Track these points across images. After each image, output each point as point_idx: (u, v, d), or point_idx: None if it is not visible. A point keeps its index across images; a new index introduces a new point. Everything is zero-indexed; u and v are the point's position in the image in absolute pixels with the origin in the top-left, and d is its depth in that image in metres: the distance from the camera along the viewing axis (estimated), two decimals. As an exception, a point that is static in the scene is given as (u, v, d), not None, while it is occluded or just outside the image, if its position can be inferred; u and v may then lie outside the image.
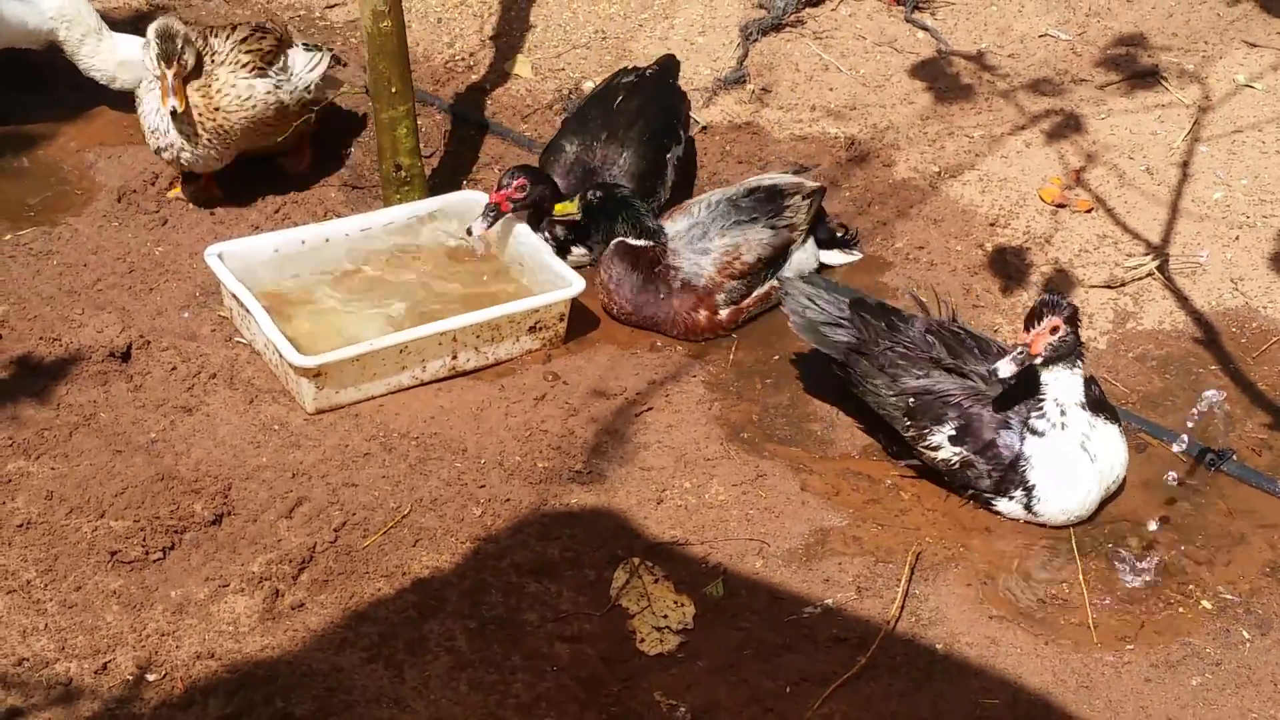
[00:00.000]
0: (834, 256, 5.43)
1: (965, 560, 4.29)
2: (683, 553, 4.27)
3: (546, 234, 5.29)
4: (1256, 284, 5.30)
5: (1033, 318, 4.21)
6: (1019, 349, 4.21)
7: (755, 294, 5.13)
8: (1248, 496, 4.53)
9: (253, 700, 3.76)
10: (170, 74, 5.06)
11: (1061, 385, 4.28)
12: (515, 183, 5.15)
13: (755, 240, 5.11)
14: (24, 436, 4.47)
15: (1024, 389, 4.33)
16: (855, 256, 5.47)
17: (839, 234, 5.48)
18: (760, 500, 4.45)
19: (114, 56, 5.78)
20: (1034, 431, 4.30)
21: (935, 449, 4.40)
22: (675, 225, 5.18)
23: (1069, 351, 4.22)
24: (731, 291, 5.07)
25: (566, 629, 4.02)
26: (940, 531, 4.38)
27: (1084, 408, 4.30)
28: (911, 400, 4.42)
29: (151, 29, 5.09)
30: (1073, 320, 4.22)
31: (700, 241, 5.11)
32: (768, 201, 5.21)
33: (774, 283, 5.15)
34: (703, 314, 5.05)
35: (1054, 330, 4.19)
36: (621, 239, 5.09)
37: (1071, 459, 4.28)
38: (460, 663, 3.91)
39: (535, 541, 4.27)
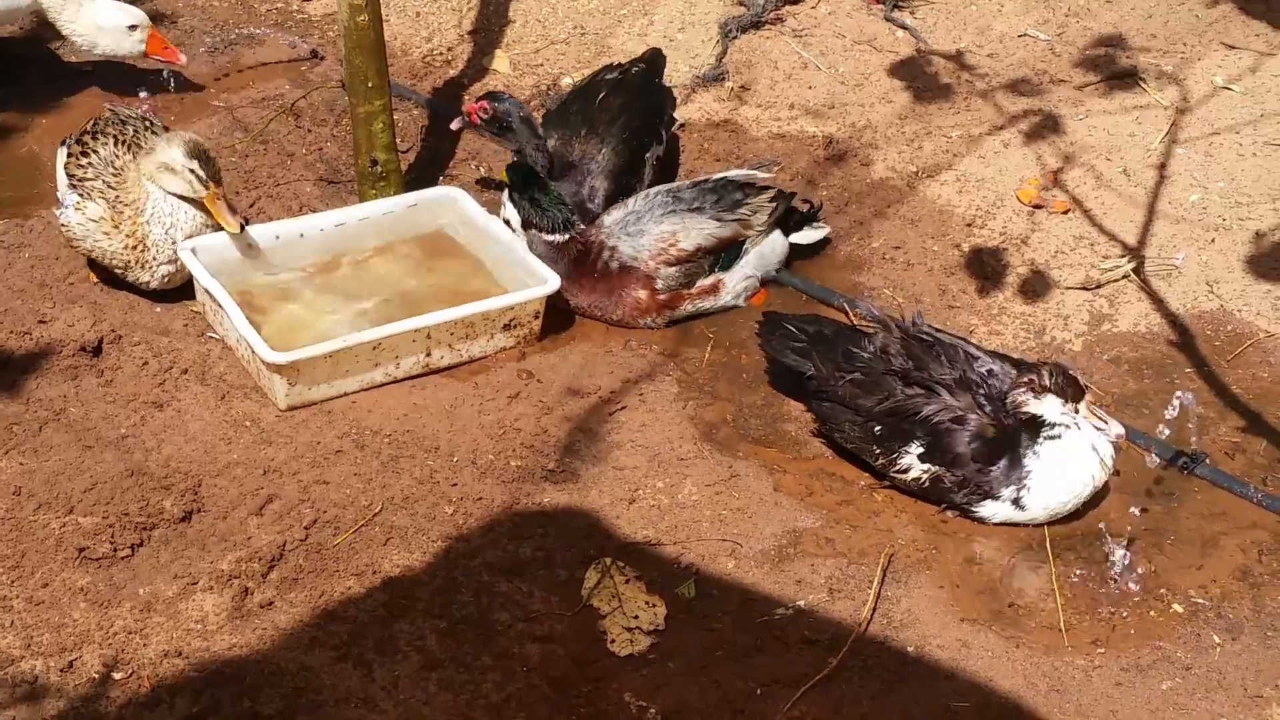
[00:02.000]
0: (804, 236, 5.41)
1: (937, 563, 4.29)
2: (655, 553, 4.26)
3: (506, 204, 5.27)
4: (1232, 287, 5.31)
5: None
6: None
7: (699, 284, 5.11)
8: (1220, 500, 4.54)
9: (220, 699, 3.74)
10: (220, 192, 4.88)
11: (1047, 409, 4.32)
12: (479, 104, 5.39)
13: (695, 228, 5.09)
14: (-7, 431, 4.45)
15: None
16: (824, 230, 5.46)
17: (803, 210, 5.45)
18: (733, 501, 4.44)
19: (94, 21, 5.77)
20: (1050, 438, 4.32)
21: (905, 471, 4.40)
22: (611, 216, 5.17)
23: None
24: (669, 278, 5.05)
25: (537, 629, 4.01)
26: (913, 534, 4.38)
27: (1069, 414, 4.33)
28: (877, 428, 4.42)
29: (183, 145, 4.80)
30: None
31: (634, 226, 5.10)
32: (715, 193, 5.20)
33: (720, 275, 5.13)
34: (643, 293, 5.04)
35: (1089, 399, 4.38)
36: (535, 231, 5.09)
37: (1075, 458, 4.31)
38: (430, 662, 3.89)
39: (507, 541, 4.25)
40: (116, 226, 4.82)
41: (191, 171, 4.77)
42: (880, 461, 4.44)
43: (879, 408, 4.41)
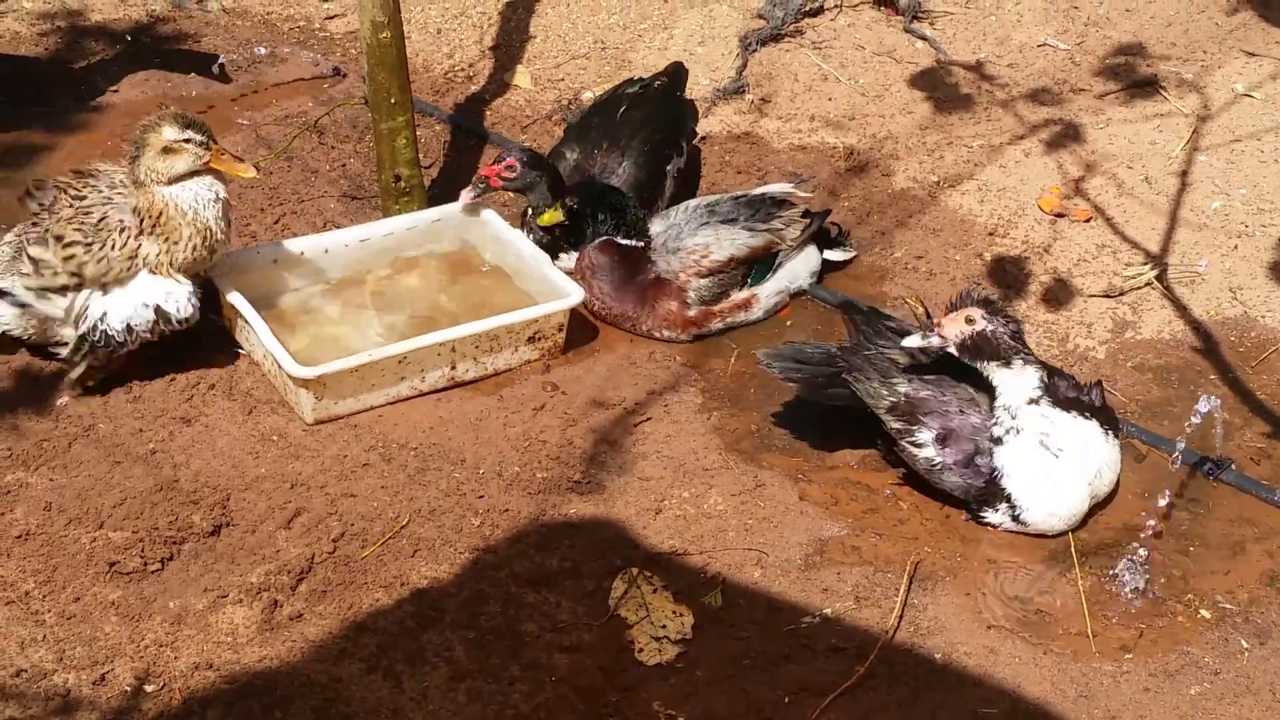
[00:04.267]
0: (831, 255, 5.45)
1: (964, 570, 4.29)
2: (681, 563, 4.27)
3: (528, 235, 5.29)
4: (1255, 293, 5.31)
5: (950, 308, 4.34)
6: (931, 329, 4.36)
7: (733, 299, 5.13)
8: (1246, 505, 4.53)
9: (251, 711, 3.76)
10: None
11: (1006, 386, 4.31)
12: (506, 162, 5.22)
13: (727, 239, 5.11)
14: (23, 447, 4.47)
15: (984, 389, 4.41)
16: (851, 253, 5.49)
17: (832, 234, 5.48)
18: (758, 510, 4.45)
19: None
20: (995, 440, 4.31)
21: (919, 446, 4.39)
22: (652, 229, 5.20)
23: (990, 350, 4.27)
24: (700, 290, 5.07)
25: (565, 639, 4.02)
26: (938, 541, 4.38)
27: (1037, 403, 4.30)
28: (904, 399, 4.43)
29: (170, 121, 4.63)
30: (993, 316, 4.27)
31: (674, 242, 5.14)
32: (751, 206, 5.22)
33: (754, 290, 5.15)
34: (673, 304, 5.05)
35: (968, 321, 4.27)
36: (608, 238, 5.09)
37: (1035, 460, 4.29)
38: (459, 673, 3.91)
39: (534, 552, 4.26)
40: (175, 240, 4.69)
41: (188, 141, 4.62)
42: (897, 426, 4.42)
43: (906, 387, 4.43)
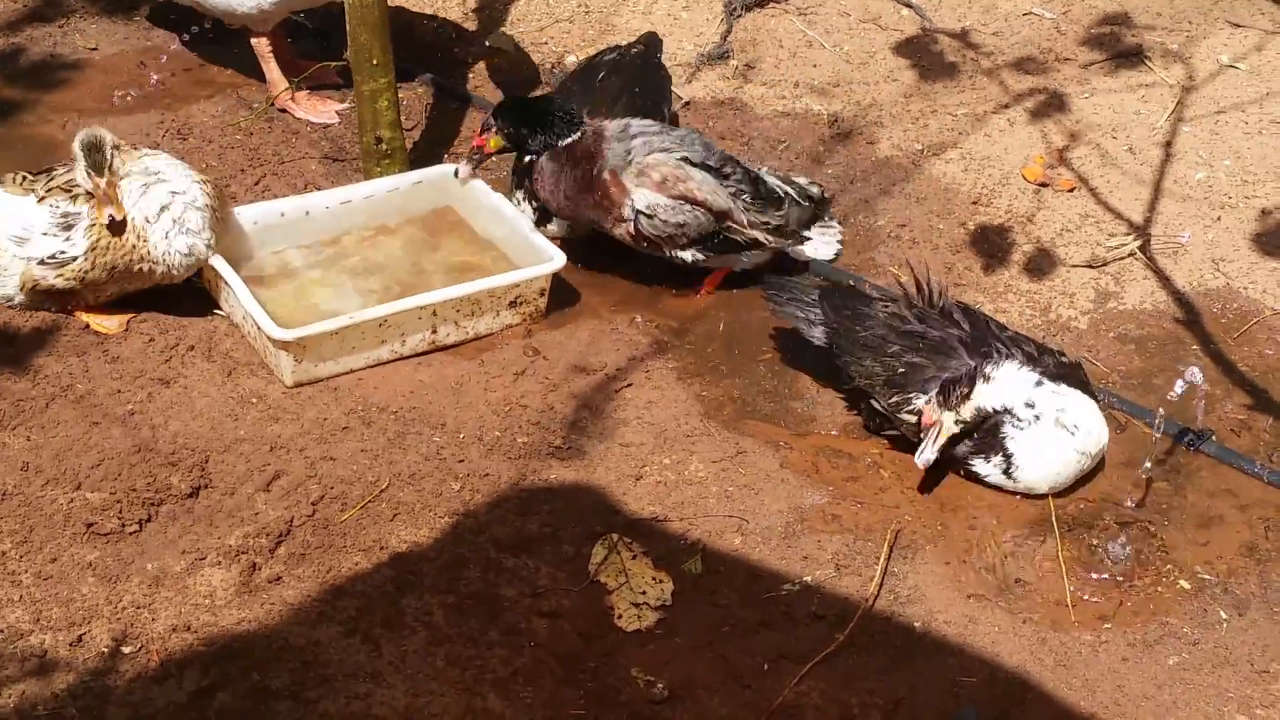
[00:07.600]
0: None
1: (944, 539, 4.29)
2: (661, 529, 4.27)
3: (522, 201, 5.27)
4: (1238, 265, 5.31)
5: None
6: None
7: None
8: (1226, 477, 4.54)
9: (229, 673, 3.75)
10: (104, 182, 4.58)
11: (1008, 389, 4.31)
12: (490, 133, 5.11)
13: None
14: (0, 407, 4.44)
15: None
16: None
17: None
18: (739, 477, 4.44)
19: None
20: (1016, 425, 4.32)
21: (917, 413, 4.39)
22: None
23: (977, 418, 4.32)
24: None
25: (544, 604, 4.01)
26: (919, 510, 4.38)
27: (1040, 384, 4.32)
28: (900, 369, 4.42)
29: (80, 136, 4.61)
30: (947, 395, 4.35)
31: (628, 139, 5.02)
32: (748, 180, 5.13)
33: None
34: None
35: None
36: (552, 148, 4.99)
37: (1051, 437, 4.30)
38: (437, 638, 3.90)
39: (514, 517, 4.26)
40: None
41: (78, 162, 4.56)
42: (894, 399, 4.43)
43: (903, 355, 4.45)
